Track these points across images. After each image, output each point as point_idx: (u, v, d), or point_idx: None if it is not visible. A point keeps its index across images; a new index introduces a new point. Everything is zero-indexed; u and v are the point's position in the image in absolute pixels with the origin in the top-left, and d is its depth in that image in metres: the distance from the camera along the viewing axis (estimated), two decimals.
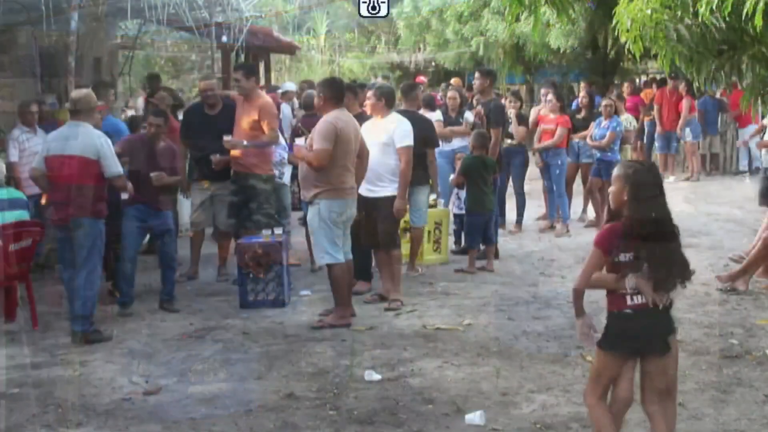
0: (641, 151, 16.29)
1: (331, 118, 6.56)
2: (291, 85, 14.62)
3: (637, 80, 20.46)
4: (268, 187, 8.15)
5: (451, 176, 9.02)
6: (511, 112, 10.14)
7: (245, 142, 7.91)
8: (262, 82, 18.90)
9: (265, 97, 8.31)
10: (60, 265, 6.72)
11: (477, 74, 9.74)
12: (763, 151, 9.52)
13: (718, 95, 15.67)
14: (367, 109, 7.71)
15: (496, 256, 8.81)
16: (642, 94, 16.84)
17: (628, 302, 3.86)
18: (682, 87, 14.92)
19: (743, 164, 16.05)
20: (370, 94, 7.64)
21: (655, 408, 3.98)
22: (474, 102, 10.19)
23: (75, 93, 6.86)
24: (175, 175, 7.41)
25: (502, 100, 10.63)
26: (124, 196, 6.91)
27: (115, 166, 6.52)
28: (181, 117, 9.11)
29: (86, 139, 6.43)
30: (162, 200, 7.33)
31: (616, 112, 11.08)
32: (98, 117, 7.80)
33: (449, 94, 10.47)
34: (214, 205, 8.32)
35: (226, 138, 7.88)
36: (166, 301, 7.33)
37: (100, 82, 11.27)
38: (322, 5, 31.66)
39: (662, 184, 3.95)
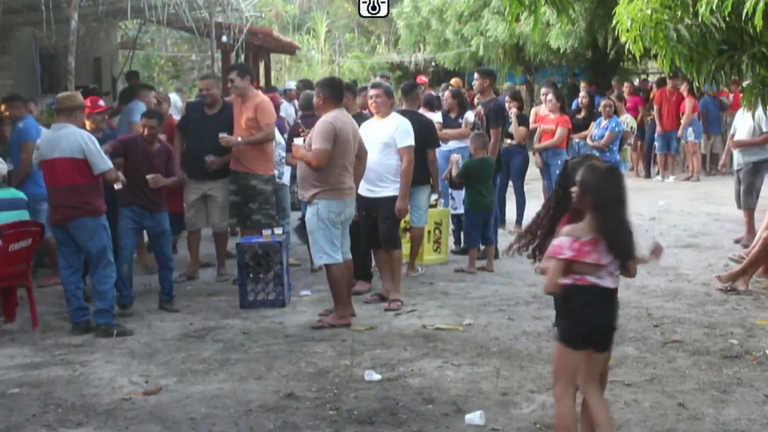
0: (641, 151, 16.30)
1: (330, 117, 6.55)
2: (292, 84, 14.64)
3: (637, 80, 20.46)
4: (269, 187, 8.16)
5: (444, 173, 8.98)
6: (513, 112, 10.14)
7: (239, 139, 7.91)
8: (262, 82, 18.92)
9: (261, 96, 8.29)
10: (60, 263, 6.72)
11: (476, 75, 9.73)
12: (735, 151, 9.59)
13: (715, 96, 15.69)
14: (372, 108, 7.61)
15: (496, 256, 8.81)
16: (651, 95, 16.83)
17: None
18: (683, 87, 14.93)
19: None
20: (377, 92, 7.49)
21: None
22: (474, 102, 10.19)
23: (60, 94, 6.90)
24: (171, 176, 7.41)
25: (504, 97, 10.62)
26: (118, 186, 6.90)
27: (103, 163, 6.54)
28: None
29: (71, 139, 6.47)
30: (156, 202, 7.33)
31: (616, 113, 11.08)
32: (98, 118, 7.85)
33: (447, 94, 10.47)
34: (207, 205, 8.30)
35: (222, 135, 7.88)
36: (165, 301, 7.33)
37: (141, 84, 11.22)
38: (322, 5, 31.74)
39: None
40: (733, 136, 9.68)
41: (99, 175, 6.55)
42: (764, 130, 9.31)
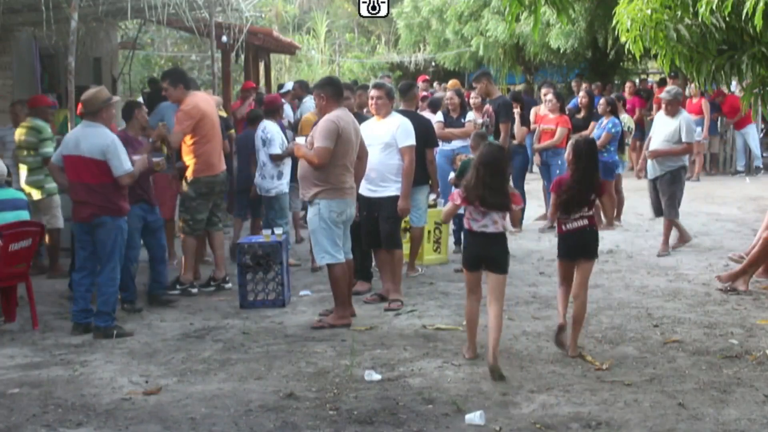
0: (640, 151, 16.27)
1: (333, 117, 6.56)
2: (290, 85, 14.62)
3: (637, 80, 20.48)
4: (190, 191, 7.77)
5: (451, 175, 8.98)
6: (516, 112, 10.16)
7: (150, 140, 7.71)
8: (262, 82, 18.90)
9: (187, 102, 7.79)
10: (76, 263, 6.73)
11: (474, 83, 9.82)
12: (649, 161, 9.28)
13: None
14: (372, 109, 7.60)
15: None
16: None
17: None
18: (694, 88, 14.90)
19: (741, 165, 16.09)
20: (379, 93, 7.44)
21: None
22: (471, 102, 10.19)
23: (85, 93, 6.71)
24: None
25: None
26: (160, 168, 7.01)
27: (121, 167, 6.48)
28: None
29: (94, 140, 6.43)
30: (155, 196, 7.41)
31: (615, 113, 11.07)
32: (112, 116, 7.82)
33: (447, 95, 10.48)
34: None
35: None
36: (162, 294, 7.36)
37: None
38: (322, 5, 31.73)
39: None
40: (650, 140, 9.29)
41: (117, 177, 6.50)
42: (684, 139, 8.97)
